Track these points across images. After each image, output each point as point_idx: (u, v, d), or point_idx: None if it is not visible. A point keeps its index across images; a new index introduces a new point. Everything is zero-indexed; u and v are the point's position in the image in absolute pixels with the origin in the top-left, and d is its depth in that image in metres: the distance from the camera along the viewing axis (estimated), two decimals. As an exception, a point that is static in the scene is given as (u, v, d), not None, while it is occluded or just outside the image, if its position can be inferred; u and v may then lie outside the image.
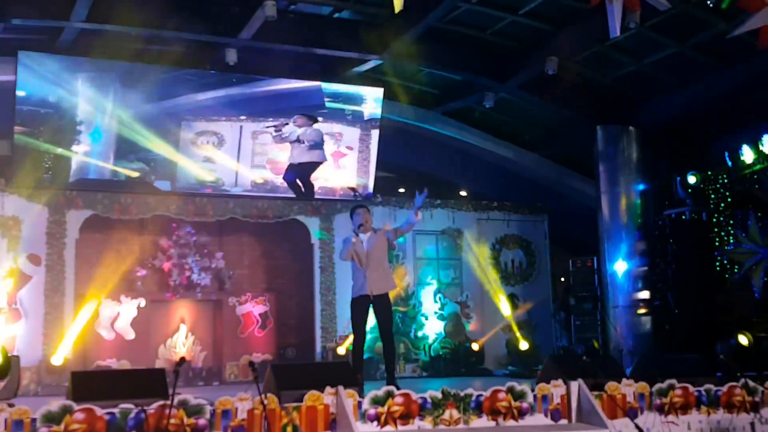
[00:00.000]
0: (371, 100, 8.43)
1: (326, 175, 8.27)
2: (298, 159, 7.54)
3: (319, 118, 7.81)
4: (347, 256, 7.75)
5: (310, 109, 7.66)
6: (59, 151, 6.83)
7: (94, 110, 6.72)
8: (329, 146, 8.01)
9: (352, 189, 8.42)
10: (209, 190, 7.67)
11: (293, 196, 11.89)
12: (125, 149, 6.86)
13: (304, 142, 7.61)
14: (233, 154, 7.87)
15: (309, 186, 7.99)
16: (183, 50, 11.33)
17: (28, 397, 9.56)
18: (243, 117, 7.91)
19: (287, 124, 7.51)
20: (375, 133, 8.00)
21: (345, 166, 7.83)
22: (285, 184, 8.14)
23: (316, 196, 11.45)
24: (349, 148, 7.78)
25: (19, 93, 7.02)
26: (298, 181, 7.87)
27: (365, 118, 7.84)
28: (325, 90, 7.52)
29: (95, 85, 6.96)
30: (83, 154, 6.74)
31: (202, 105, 7.24)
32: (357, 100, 8.19)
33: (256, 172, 7.79)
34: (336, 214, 12.77)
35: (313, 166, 7.54)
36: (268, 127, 7.60)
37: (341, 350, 12.20)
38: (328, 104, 7.67)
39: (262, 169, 8.15)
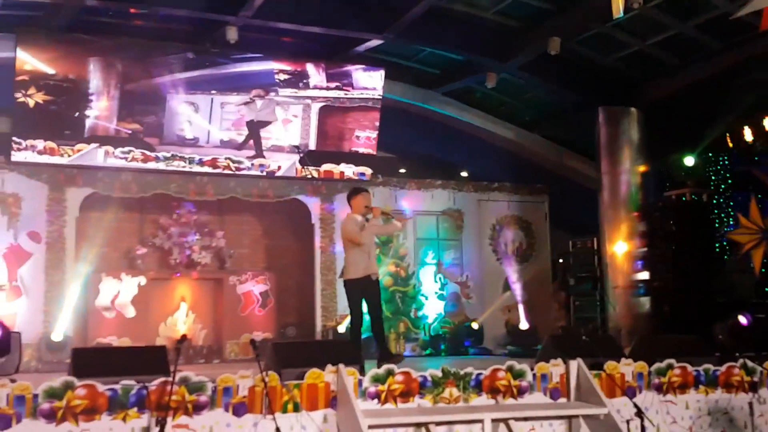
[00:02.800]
0: (314, 79, 10.81)
1: (278, 135, 10.60)
2: (255, 117, 10.06)
3: (271, 93, 10.43)
4: (360, 239, 7.67)
5: (264, 86, 10.18)
6: (76, 114, 9.03)
7: (102, 84, 9.03)
8: (279, 113, 10.41)
9: (296, 146, 10.58)
10: (188, 146, 9.99)
11: (294, 176, 12.08)
12: (125, 114, 9.26)
13: (260, 106, 10.19)
14: (206, 118, 10.20)
15: (258, 140, 10.38)
16: (184, 28, 11.32)
17: (29, 373, 9.59)
18: (213, 92, 10.34)
19: (254, 98, 10.20)
20: (315, 106, 10.45)
21: (290, 130, 10.35)
22: (242, 140, 10.39)
23: (318, 178, 12.01)
24: (295, 116, 10.31)
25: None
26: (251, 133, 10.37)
27: (306, 95, 10.51)
28: (274, 70, 10.37)
29: (101, 66, 9.17)
30: (93, 117, 9.19)
31: (183, 82, 9.74)
32: (301, 80, 10.71)
33: (224, 132, 10.17)
34: (336, 194, 12.78)
35: (265, 123, 10.10)
36: (248, 101, 10.22)
37: (341, 329, 12.25)
38: (277, 85, 10.28)
39: (227, 131, 10.44)
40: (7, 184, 11.07)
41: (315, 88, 10.66)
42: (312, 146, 10.44)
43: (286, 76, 10.46)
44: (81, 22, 10.79)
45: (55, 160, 9.65)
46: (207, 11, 10.69)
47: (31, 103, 8.72)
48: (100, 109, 9.09)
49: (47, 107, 8.69)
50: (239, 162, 10.81)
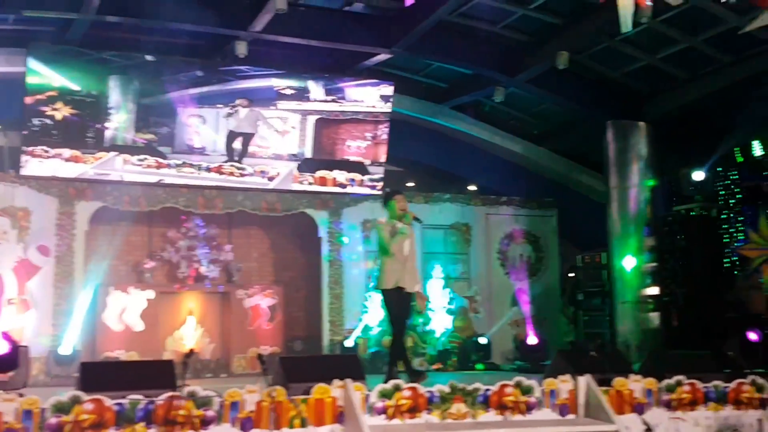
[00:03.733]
0: (314, 94, 11.46)
1: (276, 145, 11.19)
2: (238, 129, 10.78)
3: (272, 106, 11.21)
4: (399, 246, 7.31)
5: (264, 101, 10.89)
6: (98, 126, 10.03)
7: (122, 99, 10.08)
8: (278, 124, 11.10)
9: (294, 155, 11.27)
10: (196, 154, 10.76)
11: (301, 189, 12.21)
12: (141, 125, 10.19)
13: (243, 117, 10.83)
14: (213, 129, 11.00)
15: (245, 150, 11.06)
16: (193, 42, 11.40)
17: (38, 387, 9.57)
18: (219, 105, 11.14)
19: (238, 107, 10.79)
20: (311, 118, 11.18)
21: (289, 139, 11.07)
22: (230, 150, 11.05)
23: (324, 191, 12.23)
24: (293, 127, 11.09)
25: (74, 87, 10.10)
26: (234, 145, 10.94)
27: (304, 109, 11.28)
28: (274, 87, 11.07)
29: (120, 82, 10.13)
30: (113, 129, 10.17)
31: (193, 97, 10.56)
32: (302, 94, 11.45)
33: (237, 142, 11.03)
34: (344, 207, 12.81)
35: (251, 136, 10.77)
36: (230, 112, 10.89)
37: (349, 343, 12.23)
38: (277, 99, 11.06)
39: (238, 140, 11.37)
40: (17, 198, 11.11)
41: (313, 101, 11.38)
42: (308, 154, 11.16)
43: (289, 92, 11.10)
44: (92, 37, 10.89)
45: (80, 167, 10.34)
46: (217, 26, 10.78)
47: (58, 116, 9.65)
48: (118, 121, 9.98)
49: (72, 120, 9.70)
50: (242, 168, 11.28)
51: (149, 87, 10.11)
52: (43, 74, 10.17)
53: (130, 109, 10.03)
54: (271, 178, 11.35)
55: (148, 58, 10.27)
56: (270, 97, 10.93)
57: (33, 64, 10.33)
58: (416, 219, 7.64)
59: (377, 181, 12.42)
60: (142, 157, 10.42)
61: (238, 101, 10.80)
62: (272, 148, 11.01)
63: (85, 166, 10.41)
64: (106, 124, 10.02)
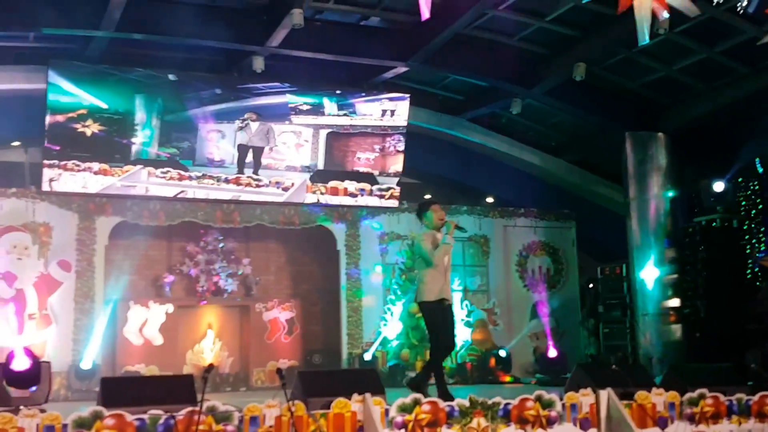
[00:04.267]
0: (329, 108, 11.92)
1: (290, 157, 11.69)
2: (250, 143, 11.33)
3: (286, 121, 11.74)
4: (441, 257, 7.15)
5: (279, 116, 11.42)
6: (124, 141, 10.76)
7: (146, 116, 10.71)
8: (291, 138, 11.63)
9: (307, 166, 11.76)
10: (215, 166, 11.32)
11: (316, 201, 12.37)
12: (164, 140, 10.88)
13: (255, 132, 11.35)
14: (231, 143, 11.51)
15: (259, 162, 11.57)
16: (212, 58, 11.49)
17: (59, 402, 9.66)
18: (237, 121, 11.67)
19: (248, 120, 11.30)
20: (323, 132, 11.70)
21: (302, 152, 11.61)
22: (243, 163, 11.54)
23: (340, 204, 12.54)
24: (306, 140, 11.61)
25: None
26: (247, 158, 11.50)
27: (317, 123, 11.80)
28: (289, 103, 11.61)
29: (145, 101, 10.77)
30: (138, 144, 10.84)
31: (212, 113, 11.16)
32: (317, 110, 11.96)
33: (249, 155, 11.52)
34: (361, 220, 12.83)
35: (261, 149, 11.30)
36: (242, 126, 11.39)
37: (367, 356, 12.21)
38: (291, 114, 11.60)
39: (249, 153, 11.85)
40: (38, 213, 11.23)
41: (326, 116, 11.94)
42: (320, 166, 11.68)
43: (304, 107, 11.66)
44: (111, 53, 11.00)
45: (108, 179, 10.93)
46: (234, 42, 10.86)
47: (88, 132, 10.32)
48: (143, 137, 10.61)
49: (101, 136, 10.41)
50: (259, 180, 11.72)
51: (172, 105, 10.68)
52: (70, 92, 10.68)
53: (154, 125, 10.66)
54: (285, 189, 11.79)
55: (171, 77, 10.77)
56: (285, 113, 11.40)
57: (57, 80, 10.64)
58: (459, 228, 7.43)
59: (385, 190, 12.56)
60: (165, 169, 10.95)
61: (247, 115, 11.29)
62: (287, 161, 11.52)
63: (113, 178, 10.95)
64: (132, 140, 10.64)
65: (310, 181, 11.79)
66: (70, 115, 10.33)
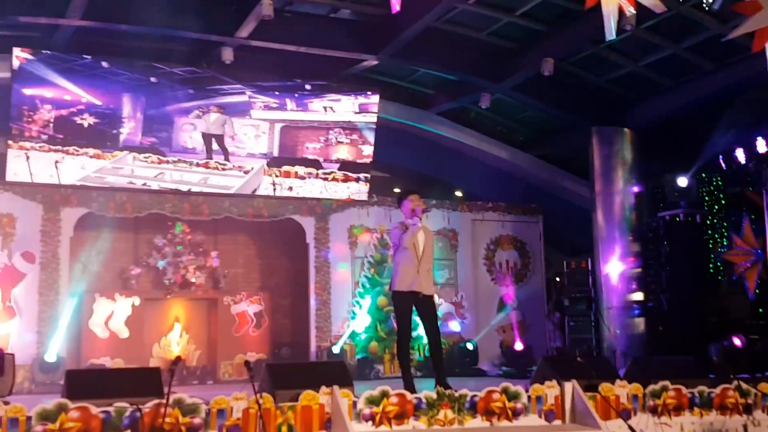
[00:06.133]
0: (289, 105, 13.05)
1: (251, 146, 12.75)
2: (210, 131, 12.47)
3: (247, 116, 12.82)
4: (408, 244, 7.11)
5: (240, 112, 12.67)
6: (114, 131, 12.02)
7: (132, 111, 12.11)
8: (251, 130, 12.82)
9: (264, 153, 12.76)
10: (189, 153, 12.46)
11: (289, 195, 12.61)
12: (146, 130, 12.15)
13: (212, 121, 12.46)
14: (201, 134, 12.63)
15: (225, 149, 12.62)
16: (182, 48, 11.41)
17: (22, 394, 9.54)
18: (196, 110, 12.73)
19: (209, 111, 12.45)
20: (277, 126, 12.91)
21: (260, 142, 12.71)
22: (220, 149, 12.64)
23: (311, 196, 12.88)
24: (263, 132, 12.83)
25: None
26: (213, 146, 12.58)
27: (272, 118, 12.97)
28: (252, 101, 12.76)
29: (131, 98, 12.08)
30: (125, 133, 12.09)
31: (186, 108, 12.34)
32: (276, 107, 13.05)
33: (215, 144, 12.61)
34: (331, 213, 12.83)
35: (221, 137, 12.48)
36: (198, 114, 12.50)
37: (336, 349, 12.22)
38: (253, 111, 12.78)
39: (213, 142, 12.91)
40: (2, 204, 11.05)
41: (281, 110, 13.12)
42: (275, 153, 12.78)
43: (264, 105, 12.92)
44: (77, 42, 10.88)
45: (101, 162, 11.90)
46: (203, 32, 10.79)
47: (86, 124, 11.50)
48: (130, 128, 11.92)
49: (95, 126, 11.70)
50: (224, 164, 12.52)
51: (153, 102, 12.00)
52: (61, 85, 11.62)
53: (138, 118, 12.01)
54: (246, 172, 12.68)
55: (153, 80, 11.98)
56: (245, 109, 12.74)
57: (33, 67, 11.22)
58: (424, 211, 7.40)
59: (329, 173, 13.12)
60: (147, 155, 12.08)
61: (211, 108, 12.48)
62: (247, 149, 12.71)
63: (105, 161, 11.90)
64: (121, 130, 11.91)
65: (267, 165, 12.76)
66: (72, 109, 11.59)
